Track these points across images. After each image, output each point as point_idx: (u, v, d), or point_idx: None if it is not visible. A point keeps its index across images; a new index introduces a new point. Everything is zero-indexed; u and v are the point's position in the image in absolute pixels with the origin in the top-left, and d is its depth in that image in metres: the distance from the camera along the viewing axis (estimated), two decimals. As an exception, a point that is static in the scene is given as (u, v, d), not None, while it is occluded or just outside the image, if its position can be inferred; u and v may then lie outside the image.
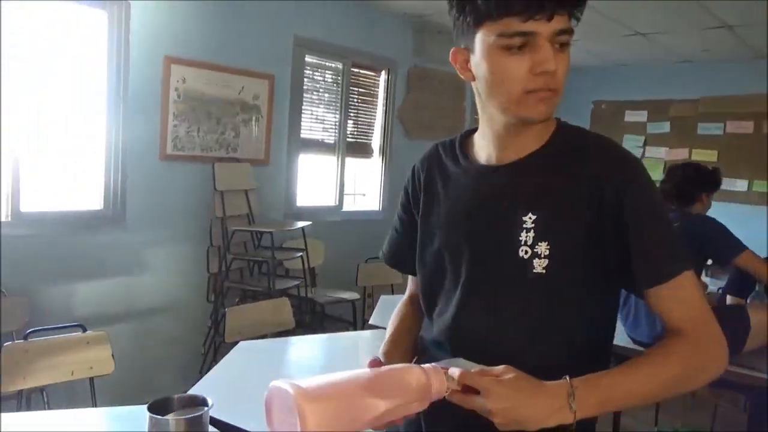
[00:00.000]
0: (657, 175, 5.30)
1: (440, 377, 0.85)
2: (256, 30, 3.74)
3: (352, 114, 4.56)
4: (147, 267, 3.40)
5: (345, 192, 4.61)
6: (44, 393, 2.20)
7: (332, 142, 4.46)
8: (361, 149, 4.71)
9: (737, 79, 5.13)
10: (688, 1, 3.63)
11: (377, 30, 4.54)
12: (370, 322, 2.53)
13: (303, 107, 4.15)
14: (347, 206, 4.66)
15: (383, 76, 4.74)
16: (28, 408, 2.19)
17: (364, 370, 0.87)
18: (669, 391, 0.91)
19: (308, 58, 4.13)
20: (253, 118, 3.80)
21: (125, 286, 3.31)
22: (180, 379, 3.41)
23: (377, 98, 4.76)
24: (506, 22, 0.89)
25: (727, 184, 3.11)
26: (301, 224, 3.70)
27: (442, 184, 1.13)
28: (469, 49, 0.98)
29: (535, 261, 0.97)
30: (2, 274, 2.74)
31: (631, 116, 5.80)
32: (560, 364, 0.93)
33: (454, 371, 0.86)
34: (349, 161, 4.60)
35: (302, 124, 4.16)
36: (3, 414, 1.27)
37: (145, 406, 1.01)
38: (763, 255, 2.62)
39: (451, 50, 1.02)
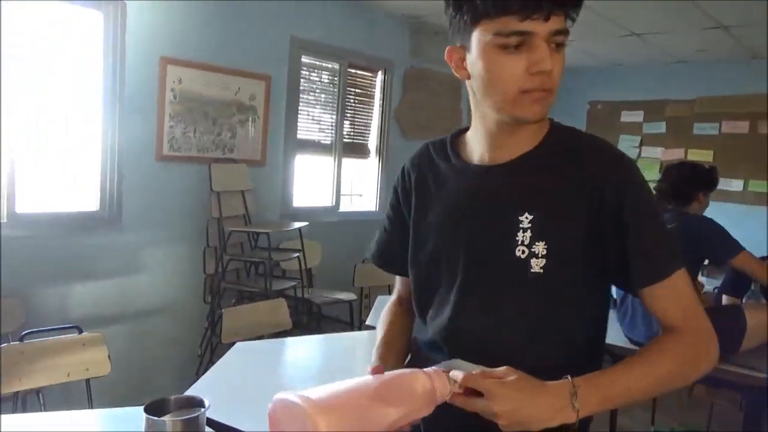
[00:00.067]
0: (653, 175, 5.32)
1: (443, 381, 0.85)
2: (252, 31, 3.73)
3: (348, 114, 4.55)
4: (143, 268, 3.39)
5: (342, 193, 4.61)
6: (40, 395, 2.19)
7: (329, 142, 4.46)
8: (357, 150, 4.71)
9: (733, 79, 5.15)
10: (683, 2, 3.64)
11: (374, 31, 4.54)
12: (367, 322, 2.53)
13: (299, 108, 4.14)
14: (344, 207, 4.66)
15: (380, 76, 4.74)
16: (24, 410, 2.19)
17: (368, 378, 0.86)
18: (666, 387, 0.93)
19: (305, 59, 4.13)
20: (250, 118, 3.80)
21: (121, 287, 3.31)
22: (176, 381, 3.40)
23: (374, 99, 4.76)
24: (503, 21, 0.89)
25: (723, 184, 3.12)
26: (297, 225, 3.69)
27: (435, 184, 1.13)
28: (465, 48, 0.98)
29: (533, 261, 0.97)
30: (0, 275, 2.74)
31: (627, 116, 5.81)
32: (558, 363, 0.94)
33: (456, 374, 0.86)
34: (346, 162, 4.60)
35: (299, 124, 4.16)
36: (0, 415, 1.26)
37: (141, 408, 1.01)
38: (760, 255, 2.63)
39: (447, 48, 1.01)
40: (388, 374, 0.87)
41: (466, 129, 1.13)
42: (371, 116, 4.77)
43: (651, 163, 5.55)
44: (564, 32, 0.92)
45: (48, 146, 2.98)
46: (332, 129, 4.45)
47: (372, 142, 4.81)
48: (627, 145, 5.68)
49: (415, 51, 4.85)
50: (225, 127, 3.66)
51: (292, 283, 3.64)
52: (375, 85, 4.75)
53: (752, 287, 2.85)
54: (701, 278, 3.33)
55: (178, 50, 3.37)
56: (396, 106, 4.85)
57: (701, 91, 5.33)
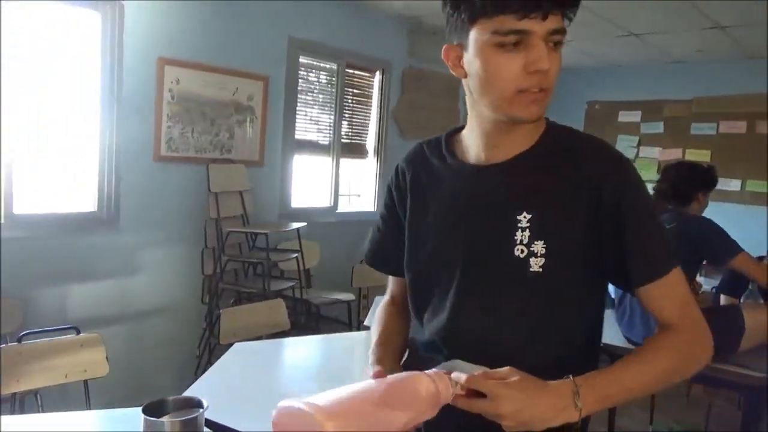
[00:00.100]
0: (651, 175, 5.33)
1: (446, 383, 0.85)
2: (250, 31, 3.73)
3: (346, 115, 4.55)
4: (141, 269, 3.39)
5: (340, 193, 4.61)
6: (38, 396, 2.19)
7: (327, 143, 4.45)
8: (355, 150, 4.71)
9: (730, 79, 5.16)
10: (681, 2, 3.64)
11: (372, 31, 4.54)
12: (365, 323, 2.52)
13: (297, 108, 4.14)
14: (342, 207, 4.66)
15: (378, 76, 4.74)
16: (22, 411, 2.18)
17: (372, 382, 0.86)
18: (664, 383, 0.95)
19: (303, 59, 4.13)
20: (248, 119, 3.80)
21: (119, 288, 3.30)
22: (175, 381, 3.40)
23: (372, 99, 4.76)
24: (501, 20, 0.89)
25: (721, 183, 3.11)
26: (296, 225, 3.69)
27: (430, 184, 1.12)
28: (462, 46, 0.98)
29: (532, 260, 0.98)
30: (-4, 276, 2.73)
31: (625, 116, 5.81)
32: (557, 363, 0.95)
33: (459, 376, 0.86)
34: (344, 162, 4.60)
35: (297, 125, 4.15)
36: (-4, 417, 1.26)
37: (139, 409, 1.01)
38: (757, 255, 2.63)
39: (444, 47, 1.01)
40: (392, 378, 0.87)
41: (461, 128, 1.13)
42: (369, 116, 4.77)
43: (649, 163, 5.56)
44: (561, 31, 0.92)
45: (45, 147, 2.98)
46: (330, 129, 4.45)
47: (370, 142, 4.81)
48: (625, 145, 5.69)
49: (412, 51, 4.85)
50: (223, 128, 3.66)
51: (291, 284, 3.64)
52: (373, 85, 4.75)
53: (750, 287, 2.85)
54: (699, 278, 3.33)
55: (176, 51, 3.37)
56: (394, 106, 4.85)
57: (699, 91, 5.34)
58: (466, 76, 1.00)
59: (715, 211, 2.74)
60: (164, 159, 3.39)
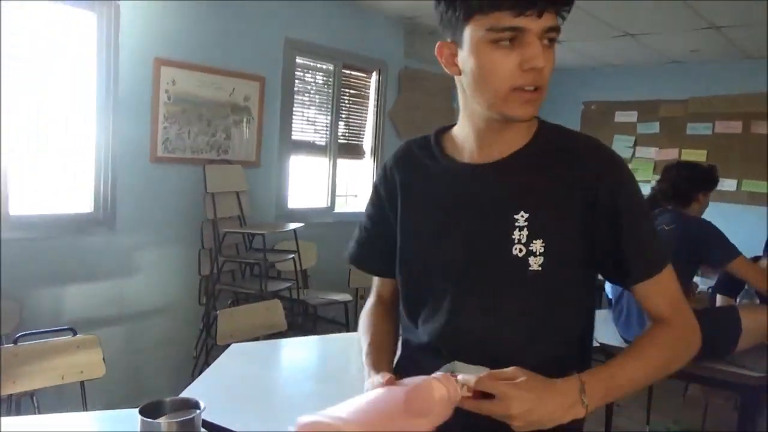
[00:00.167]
0: (647, 175, 5.35)
1: (453, 385, 0.85)
2: (246, 31, 3.73)
3: (343, 115, 4.55)
4: (138, 270, 3.38)
5: (337, 193, 4.60)
6: (34, 397, 2.18)
7: (324, 143, 4.45)
8: (352, 150, 4.71)
9: (726, 79, 5.17)
10: (676, 2, 3.65)
11: (368, 31, 4.54)
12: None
13: (294, 109, 4.14)
14: (339, 208, 4.65)
15: (374, 77, 4.74)
16: (18, 413, 2.17)
17: (388, 390, 0.86)
18: (659, 375, 0.99)
19: (299, 60, 4.12)
20: (244, 119, 3.79)
21: (116, 289, 3.29)
22: (172, 382, 3.39)
23: (368, 99, 4.76)
24: (496, 17, 0.89)
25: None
26: (292, 226, 3.69)
27: (422, 183, 1.11)
28: (456, 44, 0.97)
29: (531, 259, 0.98)
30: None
31: (621, 117, 5.82)
32: (557, 362, 0.96)
33: (467, 378, 0.86)
34: (341, 162, 4.60)
35: (293, 125, 4.15)
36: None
37: (136, 410, 1.01)
38: (753, 255, 2.63)
39: (437, 44, 1.01)
40: (408, 384, 0.87)
41: (450, 127, 1.13)
42: (366, 117, 4.77)
43: (645, 163, 5.57)
44: (556, 29, 0.92)
45: (42, 148, 2.97)
46: (327, 130, 4.45)
47: (367, 142, 4.81)
48: (621, 145, 5.70)
49: (409, 51, 4.86)
50: (219, 128, 3.65)
51: (288, 285, 3.63)
52: (369, 85, 4.75)
53: (746, 287, 2.86)
54: (696, 278, 3.34)
55: (172, 51, 3.37)
56: (390, 106, 4.85)
57: (695, 91, 5.36)
58: (459, 73, 1.00)
59: (711, 211, 2.73)
60: (161, 160, 3.38)
